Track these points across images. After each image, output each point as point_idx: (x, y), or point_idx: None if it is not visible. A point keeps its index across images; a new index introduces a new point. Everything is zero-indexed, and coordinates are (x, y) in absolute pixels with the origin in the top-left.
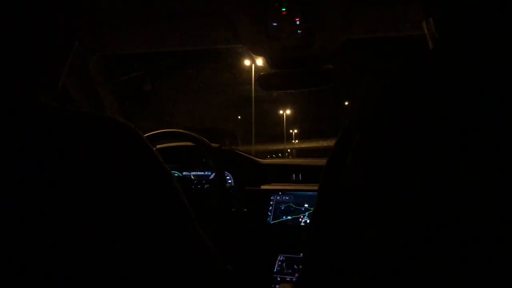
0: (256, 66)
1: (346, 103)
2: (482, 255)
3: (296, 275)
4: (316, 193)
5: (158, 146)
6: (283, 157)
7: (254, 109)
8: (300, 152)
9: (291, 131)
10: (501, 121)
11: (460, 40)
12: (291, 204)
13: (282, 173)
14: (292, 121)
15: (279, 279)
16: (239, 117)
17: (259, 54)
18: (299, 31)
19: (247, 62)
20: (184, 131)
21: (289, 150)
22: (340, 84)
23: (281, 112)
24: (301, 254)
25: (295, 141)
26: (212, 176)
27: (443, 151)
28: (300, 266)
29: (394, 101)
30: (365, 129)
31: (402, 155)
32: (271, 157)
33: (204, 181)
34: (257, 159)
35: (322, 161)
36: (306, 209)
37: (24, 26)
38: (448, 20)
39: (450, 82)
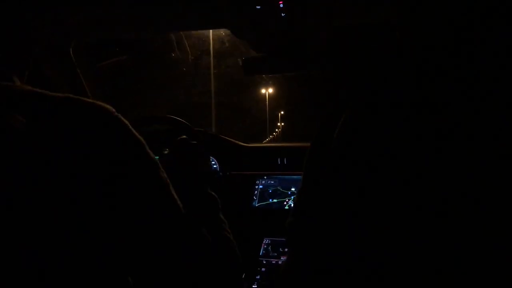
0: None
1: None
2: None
3: (281, 258)
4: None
5: (141, 130)
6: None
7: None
8: None
9: (276, 112)
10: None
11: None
12: (278, 188)
13: (267, 157)
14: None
15: (264, 262)
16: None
17: (243, 37)
18: (283, 14)
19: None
20: (168, 116)
21: None
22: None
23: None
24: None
25: (280, 124)
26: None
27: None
28: (286, 249)
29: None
30: (349, 116)
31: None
32: None
33: None
34: (242, 143)
35: (306, 145)
36: (293, 193)
37: None
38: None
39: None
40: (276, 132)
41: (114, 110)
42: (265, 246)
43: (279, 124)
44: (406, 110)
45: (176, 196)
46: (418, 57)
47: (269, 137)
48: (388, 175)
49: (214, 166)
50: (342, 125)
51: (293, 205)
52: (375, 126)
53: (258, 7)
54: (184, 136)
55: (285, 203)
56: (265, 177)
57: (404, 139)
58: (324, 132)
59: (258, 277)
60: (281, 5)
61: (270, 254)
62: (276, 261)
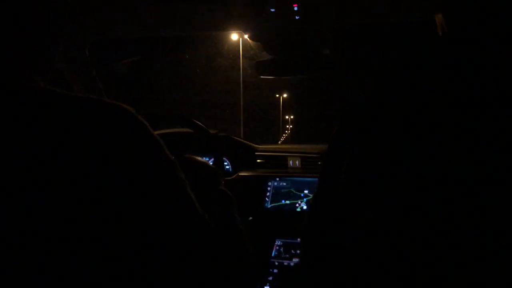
0: (244, 40)
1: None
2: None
3: (293, 259)
4: (314, 179)
5: (156, 132)
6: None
7: (242, 91)
8: None
9: (286, 117)
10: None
11: (470, 37)
12: (291, 190)
13: (278, 159)
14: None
15: (276, 263)
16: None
17: (256, 39)
18: (297, 17)
19: (234, 37)
20: (182, 117)
21: None
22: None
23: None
24: (298, 239)
25: (289, 126)
26: (210, 162)
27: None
28: (298, 251)
29: (399, 91)
30: (368, 114)
31: (401, 143)
32: None
33: None
34: (254, 145)
35: (318, 148)
36: (305, 195)
37: (15, 10)
38: (458, 15)
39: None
40: (287, 131)
41: (132, 110)
42: (277, 248)
43: (286, 117)
44: (442, 106)
45: (193, 197)
46: (457, 53)
47: (282, 137)
48: (418, 174)
49: (227, 167)
50: (366, 123)
51: (309, 207)
52: (406, 124)
53: (273, 9)
54: (188, 155)
55: (297, 205)
56: (277, 179)
57: (439, 136)
58: (344, 131)
59: (270, 278)
60: (295, 8)
61: (282, 256)
62: (288, 262)
